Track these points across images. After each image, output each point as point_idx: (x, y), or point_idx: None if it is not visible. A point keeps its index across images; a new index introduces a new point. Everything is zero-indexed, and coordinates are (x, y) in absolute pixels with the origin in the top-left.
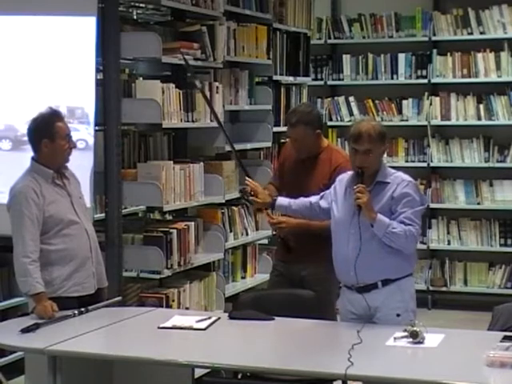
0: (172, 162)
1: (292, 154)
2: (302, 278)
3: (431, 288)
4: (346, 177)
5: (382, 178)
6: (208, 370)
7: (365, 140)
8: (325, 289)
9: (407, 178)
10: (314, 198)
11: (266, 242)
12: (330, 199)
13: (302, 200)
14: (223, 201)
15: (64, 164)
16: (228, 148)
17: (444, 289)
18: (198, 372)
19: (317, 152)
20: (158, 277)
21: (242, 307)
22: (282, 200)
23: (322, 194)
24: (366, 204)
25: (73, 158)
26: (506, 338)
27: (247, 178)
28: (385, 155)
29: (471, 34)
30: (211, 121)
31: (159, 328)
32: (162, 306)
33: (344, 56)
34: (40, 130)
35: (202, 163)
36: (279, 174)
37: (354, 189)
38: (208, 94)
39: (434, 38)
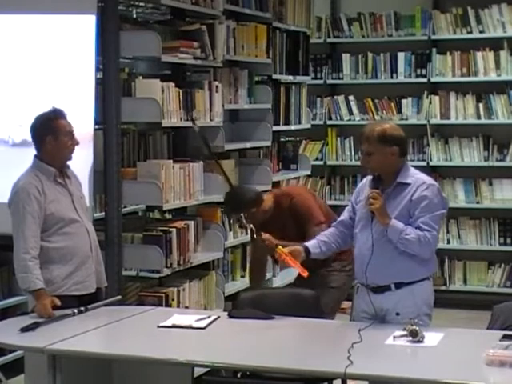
0: (172, 160)
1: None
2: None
3: None
4: (370, 178)
5: (402, 179)
6: (208, 369)
7: (364, 142)
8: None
9: (428, 180)
10: (340, 224)
11: None
12: (351, 206)
13: (329, 231)
14: (222, 200)
15: (67, 161)
16: (227, 147)
17: (443, 288)
18: (198, 371)
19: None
20: (157, 276)
21: (241, 306)
22: (313, 246)
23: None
24: (378, 210)
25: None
26: (505, 337)
27: (279, 248)
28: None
29: (471, 32)
30: (211, 120)
31: (159, 327)
32: (162, 305)
33: (343, 55)
34: (43, 127)
35: (201, 162)
36: None
37: (368, 194)
38: (207, 92)
39: (433, 37)
